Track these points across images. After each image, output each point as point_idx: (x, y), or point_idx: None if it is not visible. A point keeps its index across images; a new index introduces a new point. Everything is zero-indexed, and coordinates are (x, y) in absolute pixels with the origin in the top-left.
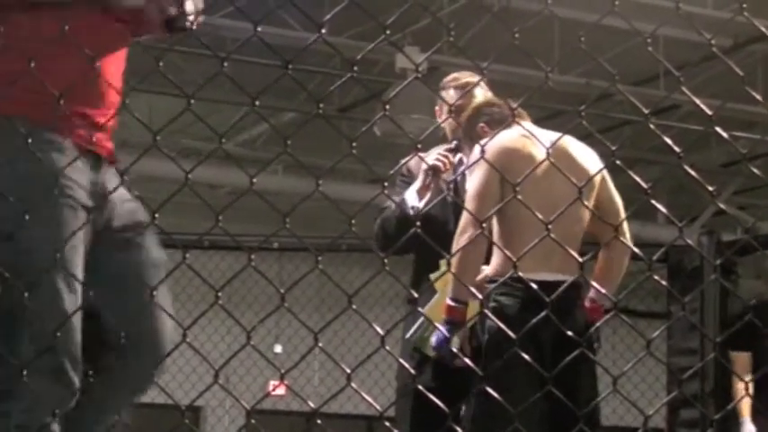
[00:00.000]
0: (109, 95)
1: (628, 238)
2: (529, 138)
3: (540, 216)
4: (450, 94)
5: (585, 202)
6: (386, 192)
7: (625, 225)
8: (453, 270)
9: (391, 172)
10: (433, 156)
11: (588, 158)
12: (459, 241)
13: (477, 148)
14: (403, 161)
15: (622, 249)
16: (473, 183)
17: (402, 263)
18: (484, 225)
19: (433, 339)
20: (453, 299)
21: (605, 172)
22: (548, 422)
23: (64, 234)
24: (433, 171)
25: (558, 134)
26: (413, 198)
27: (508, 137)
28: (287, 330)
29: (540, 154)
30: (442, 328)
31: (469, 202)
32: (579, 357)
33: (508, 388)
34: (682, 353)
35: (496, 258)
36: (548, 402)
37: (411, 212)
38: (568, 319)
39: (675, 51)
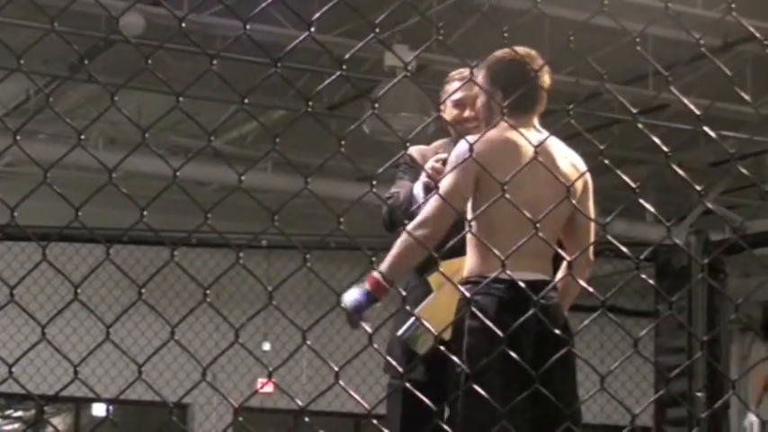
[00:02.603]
0: None
1: (591, 255)
2: (513, 138)
3: (517, 217)
4: (455, 87)
5: (567, 209)
6: (374, 190)
7: (590, 237)
8: (397, 249)
9: (380, 170)
10: (428, 153)
11: (573, 164)
12: (414, 233)
13: (461, 145)
14: (390, 161)
15: (585, 264)
16: (445, 180)
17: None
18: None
19: (350, 303)
20: (383, 275)
21: (590, 183)
22: (529, 421)
23: None
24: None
25: (548, 136)
26: (421, 194)
27: (492, 137)
28: (275, 328)
29: (523, 155)
30: (359, 293)
31: (435, 198)
32: (560, 356)
33: (488, 388)
34: (669, 351)
35: (472, 258)
36: (528, 402)
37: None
38: (547, 317)
39: (664, 51)
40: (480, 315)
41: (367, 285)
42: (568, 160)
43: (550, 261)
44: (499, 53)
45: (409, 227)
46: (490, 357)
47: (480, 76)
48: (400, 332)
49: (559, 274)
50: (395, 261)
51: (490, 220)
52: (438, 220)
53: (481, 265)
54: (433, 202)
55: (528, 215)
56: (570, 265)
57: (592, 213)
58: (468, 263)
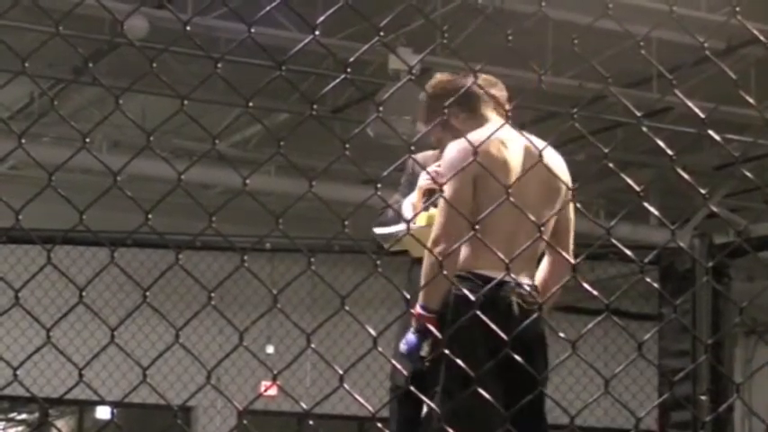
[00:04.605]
0: None
1: (570, 253)
2: (502, 140)
3: (510, 218)
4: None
5: (552, 209)
6: (379, 194)
7: (571, 240)
8: (425, 279)
9: (384, 174)
10: (429, 159)
11: (557, 164)
12: (434, 251)
13: (450, 150)
14: (394, 164)
15: (566, 265)
16: (447, 190)
17: (394, 264)
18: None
19: (404, 346)
20: (423, 307)
21: (570, 181)
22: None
23: None
24: (430, 193)
25: (529, 136)
26: (409, 212)
27: (482, 139)
28: (279, 331)
29: (511, 157)
30: (411, 335)
31: (442, 211)
32: (538, 360)
33: (470, 384)
34: (673, 355)
35: (462, 253)
36: (503, 398)
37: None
38: (527, 321)
39: (668, 54)
40: (457, 311)
41: (414, 324)
42: (556, 161)
43: (536, 265)
44: (431, 84)
45: (428, 256)
46: (470, 354)
47: (425, 107)
48: (383, 230)
49: (542, 274)
50: (428, 287)
51: (483, 220)
52: (450, 231)
53: (471, 261)
54: (441, 216)
55: (531, 218)
56: (553, 259)
57: (573, 215)
58: (459, 257)
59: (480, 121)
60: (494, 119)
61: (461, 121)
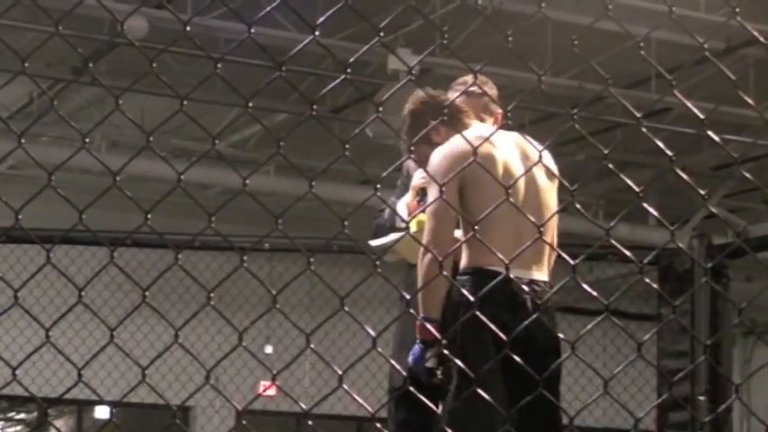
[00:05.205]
0: None
1: (555, 239)
2: (489, 140)
3: (513, 215)
4: (453, 96)
5: (551, 199)
6: (378, 194)
7: (555, 229)
8: (422, 289)
9: (383, 174)
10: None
11: (547, 158)
12: (423, 261)
13: (434, 157)
14: (394, 164)
15: (554, 255)
16: (432, 197)
17: (393, 264)
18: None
19: (410, 358)
20: (425, 318)
21: (555, 170)
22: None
23: None
24: (423, 191)
25: (513, 133)
26: (404, 212)
27: (464, 140)
28: (277, 331)
29: (499, 154)
30: (416, 347)
31: (430, 219)
32: (550, 359)
33: (482, 384)
34: (672, 355)
35: (465, 251)
36: (515, 396)
37: (402, 226)
38: (540, 317)
39: (668, 54)
40: (464, 309)
41: (417, 335)
42: (545, 155)
43: (546, 260)
44: (411, 102)
45: (419, 257)
46: (481, 352)
47: (407, 127)
48: (378, 241)
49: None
50: (426, 296)
51: (477, 217)
52: (439, 237)
53: (477, 259)
54: (429, 223)
55: (531, 219)
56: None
57: (556, 206)
58: (463, 255)
59: (461, 130)
60: (474, 124)
61: (443, 135)
